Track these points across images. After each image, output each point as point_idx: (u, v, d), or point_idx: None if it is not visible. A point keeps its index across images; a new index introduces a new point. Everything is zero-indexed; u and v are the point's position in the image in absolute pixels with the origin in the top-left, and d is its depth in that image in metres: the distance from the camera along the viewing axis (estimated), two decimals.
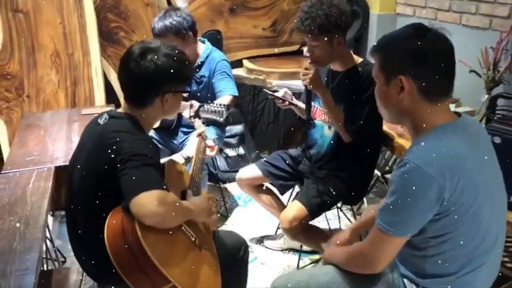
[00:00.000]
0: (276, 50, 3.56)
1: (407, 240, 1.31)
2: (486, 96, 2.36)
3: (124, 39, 3.34)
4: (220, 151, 3.50)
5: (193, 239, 1.53)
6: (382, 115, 1.43)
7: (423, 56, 1.26)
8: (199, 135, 2.01)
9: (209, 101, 2.09)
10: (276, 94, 2.33)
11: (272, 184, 2.56)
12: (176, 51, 1.59)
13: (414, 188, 1.21)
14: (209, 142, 2.11)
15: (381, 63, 1.34)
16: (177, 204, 1.41)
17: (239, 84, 3.04)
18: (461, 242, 1.28)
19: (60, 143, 2.49)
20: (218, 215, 3.03)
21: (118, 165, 1.38)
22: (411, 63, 1.27)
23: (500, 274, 1.43)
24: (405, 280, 1.41)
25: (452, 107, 2.29)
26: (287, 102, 2.32)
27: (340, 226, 2.89)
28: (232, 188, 3.40)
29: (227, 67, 2.72)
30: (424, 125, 1.31)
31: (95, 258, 1.54)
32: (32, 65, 3.10)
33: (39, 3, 3.04)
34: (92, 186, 1.49)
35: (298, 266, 2.55)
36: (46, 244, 2.28)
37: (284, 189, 2.54)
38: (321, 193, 2.22)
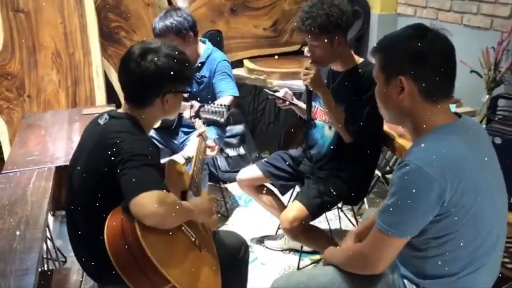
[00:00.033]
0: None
1: (408, 241, 1.31)
2: (487, 96, 2.36)
3: (125, 39, 3.34)
4: (221, 151, 3.50)
5: (193, 239, 1.53)
6: (383, 115, 1.43)
7: (423, 56, 1.26)
8: (200, 135, 2.01)
9: (209, 102, 2.09)
10: (276, 94, 2.33)
11: (272, 184, 2.56)
12: (177, 52, 1.59)
13: (414, 189, 1.21)
14: (210, 142, 2.11)
15: (381, 63, 1.34)
16: (177, 204, 1.40)
17: (239, 84, 3.04)
18: (462, 243, 1.28)
19: (60, 143, 2.49)
20: (219, 215, 3.03)
21: (118, 165, 1.37)
22: (411, 63, 1.27)
23: (500, 275, 1.43)
24: (405, 281, 1.41)
25: (453, 107, 2.28)
26: (287, 102, 2.31)
27: (340, 226, 2.90)
28: (233, 188, 3.40)
29: (227, 67, 2.72)
30: (424, 126, 1.31)
31: (95, 258, 1.53)
32: (33, 65, 3.10)
33: (40, 3, 3.04)
34: (92, 186, 1.49)
35: (298, 266, 2.55)
36: (47, 244, 2.28)
37: (284, 190, 2.54)
38: (322, 193, 2.22)
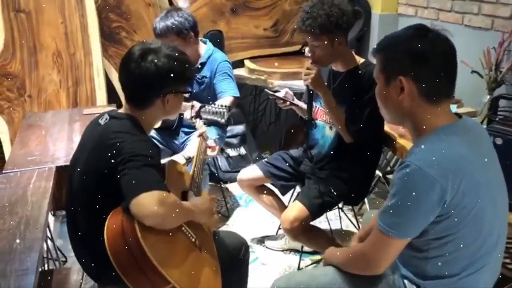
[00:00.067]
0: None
1: (409, 242, 1.31)
2: (488, 97, 2.36)
3: (125, 39, 3.34)
4: (222, 151, 3.50)
5: (193, 239, 1.53)
6: (383, 116, 1.43)
7: (423, 57, 1.26)
8: (200, 135, 2.01)
9: (210, 102, 2.09)
10: (277, 94, 2.33)
11: (273, 184, 2.56)
12: (177, 52, 1.59)
13: (415, 190, 1.21)
14: (210, 143, 2.11)
15: (382, 63, 1.34)
16: (178, 205, 1.40)
17: (240, 85, 3.04)
18: (463, 244, 1.27)
19: (61, 143, 2.49)
20: (219, 215, 3.03)
21: (119, 166, 1.37)
22: (411, 64, 1.27)
23: (501, 275, 1.43)
24: (406, 282, 1.41)
25: (454, 107, 2.28)
26: (288, 103, 2.31)
27: (341, 226, 2.89)
28: (233, 188, 3.39)
29: (228, 68, 2.72)
30: (424, 127, 1.31)
31: (96, 259, 1.53)
32: (34, 65, 3.11)
33: (40, 3, 3.05)
34: (93, 186, 1.49)
35: (299, 266, 2.55)
36: (47, 244, 2.28)
37: (285, 190, 2.54)
38: (322, 193, 2.21)
